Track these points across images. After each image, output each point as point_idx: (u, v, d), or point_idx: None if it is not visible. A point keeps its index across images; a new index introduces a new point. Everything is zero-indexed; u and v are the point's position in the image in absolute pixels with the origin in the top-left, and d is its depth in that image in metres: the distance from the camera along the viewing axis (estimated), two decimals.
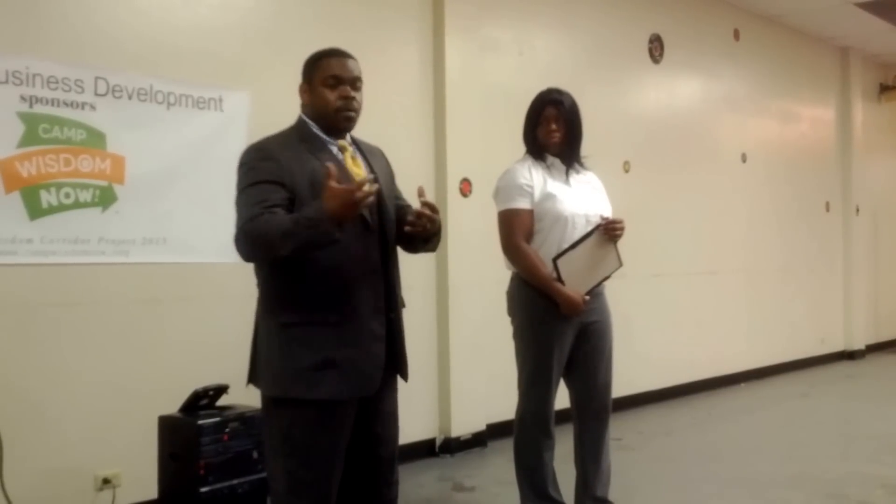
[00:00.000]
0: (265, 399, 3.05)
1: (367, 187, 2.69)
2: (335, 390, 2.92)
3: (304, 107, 3.13)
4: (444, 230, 6.22)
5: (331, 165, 2.73)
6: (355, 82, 3.07)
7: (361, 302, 2.96)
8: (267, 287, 3.03)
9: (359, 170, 3.07)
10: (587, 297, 4.24)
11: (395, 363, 3.13)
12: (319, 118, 3.07)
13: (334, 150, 3.06)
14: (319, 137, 3.06)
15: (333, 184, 2.68)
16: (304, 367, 2.91)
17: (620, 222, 4.27)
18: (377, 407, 3.10)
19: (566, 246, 4.20)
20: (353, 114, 3.07)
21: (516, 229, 4.27)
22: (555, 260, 4.17)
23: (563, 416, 4.46)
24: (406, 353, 3.19)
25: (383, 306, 3.02)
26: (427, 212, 2.97)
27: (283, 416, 2.98)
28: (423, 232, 3.02)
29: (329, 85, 3.03)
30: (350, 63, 3.08)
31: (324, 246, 2.78)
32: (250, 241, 2.84)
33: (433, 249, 3.27)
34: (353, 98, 3.06)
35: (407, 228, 3.01)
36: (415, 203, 3.08)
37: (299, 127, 3.10)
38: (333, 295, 2.93)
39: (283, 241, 2.75)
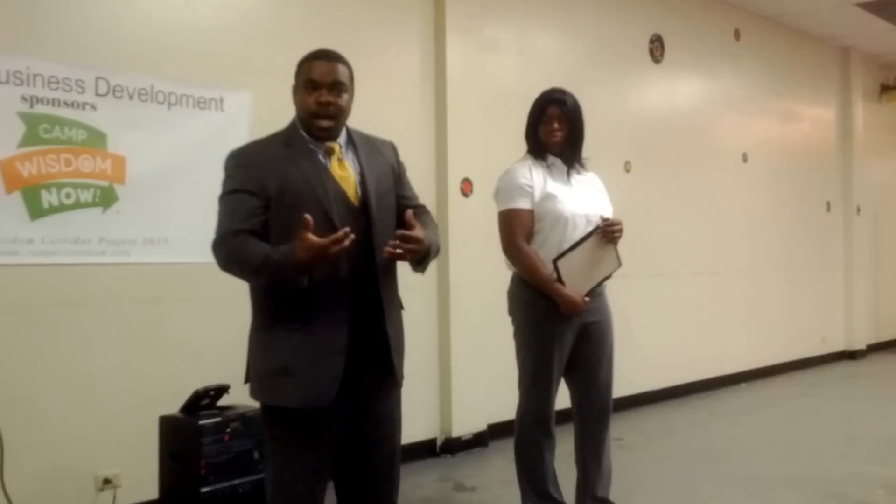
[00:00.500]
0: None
1: (345, 242, 2.68)
2: (292, 399, 2.92)
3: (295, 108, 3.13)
4: (444, 230, 6.32)
5: (308, 217, 2.70)
6: (334, 87, 2.99)
7: (325, 312, 2.90)
8: (253, 293, 3.06)
9: (345, 174, 3.01)
10: (587, 299, 4.24)
11: (386, 367, 3.07)
12: (301, 122, 3.05)
13: (320, 154, 3.01)
14: (304, 142, 3.01)
15: (309, 236, 2.67)
16: (267, 372, 2.96)
17: (619, 224, 4.26)
18: (371, 410, 3.07)
19: (566, 246, 4.20)
20: (325, 120, 2.98)
21: (516, 229, 4.26)
22: (555, 261, 4.17)
23: (564, 416, 4.46)
24: (399, 357, 3.12)
25: (347, 315, 2.92)
26: (397, 243, 2.88)
27: (266, 420, 3.05)
28: (402, 259, 2.97)
29: (307, 89, 3.00)
30: (331, 66, 3.00)
31: (285, 281, 2.81)
32: (226, 260, 2.92)
33: (422, 271, 3.15)
34: (330, 103, 2.97)
35: (385, 255, 2.94)
36: (426, 201, 3.05)
37: (288, 129, 3.08)
38: (300, 305, 2.89)
39: (254, 274, 2.89)
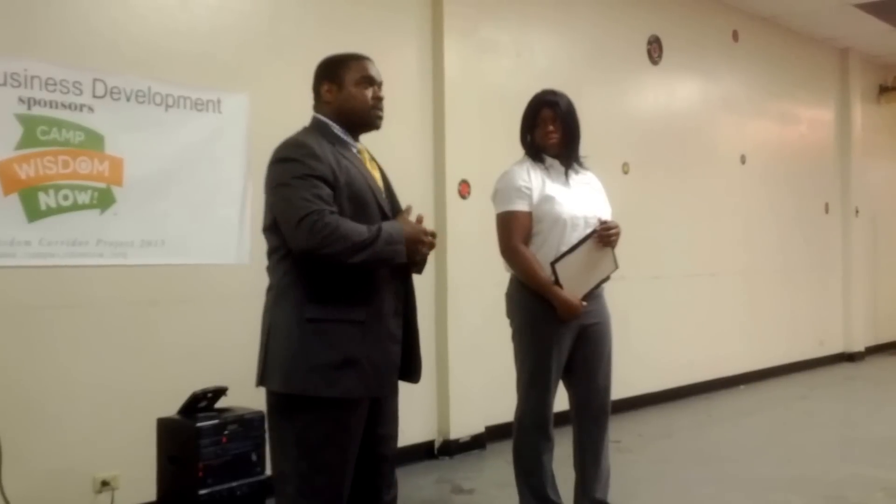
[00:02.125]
0: (277, 397, 3.01)
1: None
2: (353, 389, 2.94)
3: (325, 106, 3.17)
4: (442, 232, 6.31)
5: (410, 205, 3.12)
6: (382, 86, 3.22)
7: (385, 303, 3.03)
8: (291, 281, 2.99)
9: (375, 172, 3.18)
10: (584, 303, 4.23)
11: (411, 365, 3.21)
12: (348, 116, 3.13)
13: (355, 151, 3.14)
14: (344, 139, 3.13)
15: (421, 222, 3.03)
16: (323, 364, 2.91)
17: (615, 227, 4.26)
18: (381, 407, 3.12)
19: (565, 248, 4.19)
20: (382, 113, 3.19)
21: (514, 232, 4.26)
22: (553, 264, 4.16)
23: (562, 419, 4.46)
24: (420, 356, 3.27)
25: (402, 308, 3.12)
26: None
27: (297, 416, 2.95)
28: None
29: (363, 85, 3.15)
30: (377, 68, 3.24)
31: (386, 266, 2.97)
32: (326, 234, 2.83)
33: (419, 272, 3.26)
34: (383, 99, 3.20)
35: None
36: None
37: (321, 127, 3.13)
38: (362, 294, 2.98)
39: (361, 247, 2.87)
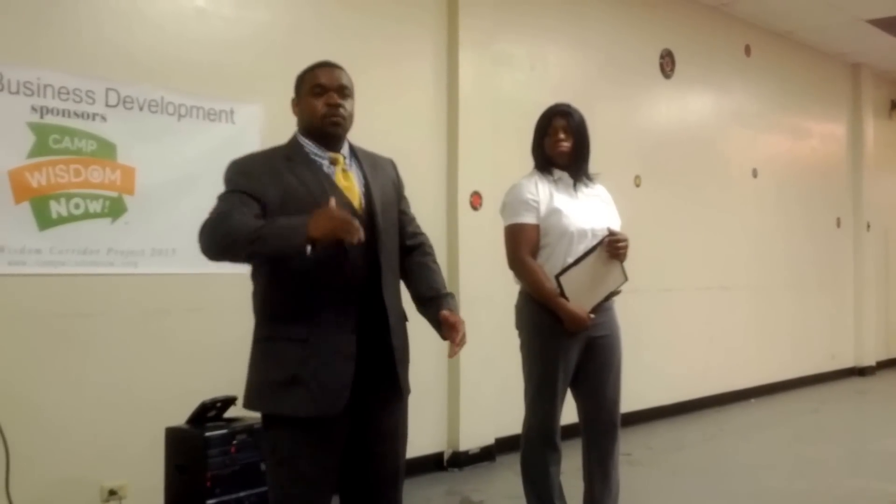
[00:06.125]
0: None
1: (359, 234, 2.69)
2: (300, 408, 2.88)
3: (298, 122, 3.13)
4: (454, 243, 6.31)
5: (332, 199, 2.75)
6: (342, 90, 3.05)
7: (331, 319, 2.90)
8: (256, 300, 3.03)
9: (349, 184, 3.04)
10: (592, 316, 4.21)
11: (391, 379, 3.06)
12: (309, 128, 3.06)
13: (325, 164, 3.03)
14: (305, 153, 3.03)
15: (335, 206, 2.70)
16: (271, 382, 2.91)
17: (624, 239, 4.24)
18: (376, 424, 3.05)
19: (571, 261, 4.18)
20: (338, 119, 3.03)
21: (521, 244, 4.26)
22: (557, 277, 4.15)
23: (573, 431, 4.45)
24: (404, 368, 3.11)
25: (355, 324, 2.92)
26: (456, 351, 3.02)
27: (269, 430, 2.99)
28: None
29: (315, 94, 3.03)
30: (335, 72, 3.07)
31: (286, 257, 2.79)
32: (213, 232, 2.82)
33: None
34: (339, 105, 3.03)
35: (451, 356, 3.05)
36: (423, 218, 3.05)
37: (290, 144, 3.09)
38: (301, 311, 2.89)
39: (249, 239, 2.74)
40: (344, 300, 2.92)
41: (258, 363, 2.97)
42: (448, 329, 3.01)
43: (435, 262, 3.28)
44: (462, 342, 3.00)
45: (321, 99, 3.02)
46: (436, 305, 3.10)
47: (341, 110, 3.03)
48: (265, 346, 2.96)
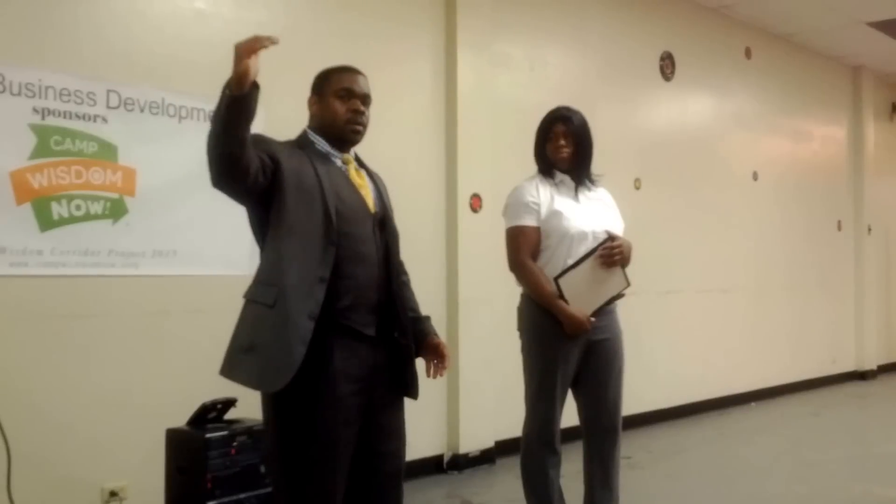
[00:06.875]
0: None
1: (271, 38, 2.82)
2: (246, 378, 2.93)
3: (312, 119, 3.16)
4: (454, 246, 6.30)
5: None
6: (365, 98, 3.12)
7: (300, 295, 2.84)
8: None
9: (363, 181, 3.11)
10: (593, 319, 4.21)
11: (402, 379, 3.11)
12: (327, 129, 3.09)
13: (338, 162, 3.09)
14: (317, 148, 3.08)
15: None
16: (234, 346, 2.99)
17: (618, 247, 4.22)
18: (383, 423, 3.08)
19: (570, 263, 4.19)
20: (360, 127, 3.10)
21: (522, 247, 4.26)
22: (556, 279, 4.15)
23: (574, 434, 4.44)
24: (415, 369, 3.15)
25: (317, 313, 2.84)
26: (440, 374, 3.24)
27: (266, 401, 3.04)
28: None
29: (340, 97, 3.08)
30: (362, 80, 3.14)
31: (236, 110, 2.93)
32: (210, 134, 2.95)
33: None
34: (363, 113, 3.10)
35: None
36: (409, 222, 3.08)
37: (300, 138, 3.13)
38: (275, 271, 2.90)
39: (217, 118, 2.92)
40: (366, 302, 2.98)
41: (236, 325, 3.01)
42: (440, 359, 3.20)
43: (409, 281, 3.33)
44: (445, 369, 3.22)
45: (347, 104, 3.07)
46: (420, 329, 3.23)
47: (363, 118, 3.11)
48: (244, 307, 3.00)
